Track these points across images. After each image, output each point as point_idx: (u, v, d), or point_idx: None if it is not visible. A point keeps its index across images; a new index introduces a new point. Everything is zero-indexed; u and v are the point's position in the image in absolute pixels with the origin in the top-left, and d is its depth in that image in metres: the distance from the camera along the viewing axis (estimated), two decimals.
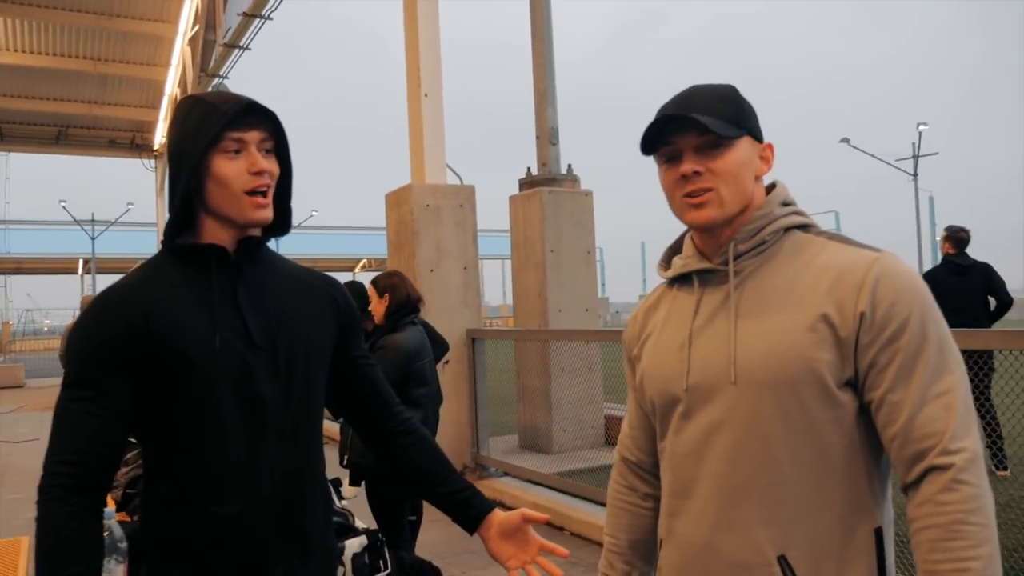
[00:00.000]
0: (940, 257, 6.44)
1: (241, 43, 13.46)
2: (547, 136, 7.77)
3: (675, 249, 1.43)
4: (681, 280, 1.37)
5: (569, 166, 7.79)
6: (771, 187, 1.32)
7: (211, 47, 15.40)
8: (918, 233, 33.12)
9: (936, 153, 34.83)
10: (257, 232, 1.46)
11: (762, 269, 1.25)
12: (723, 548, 1.21)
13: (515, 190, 7.99)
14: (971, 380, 1.20)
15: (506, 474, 6.29)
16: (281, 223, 1.51)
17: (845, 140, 32.77)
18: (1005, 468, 5.61)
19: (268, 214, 1.40)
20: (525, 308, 7.54)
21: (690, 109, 1.23)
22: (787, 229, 1.27)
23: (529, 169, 7.92)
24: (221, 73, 15.10)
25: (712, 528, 1.23)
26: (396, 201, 6.85)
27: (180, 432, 1.35)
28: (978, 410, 5.64)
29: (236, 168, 1.36)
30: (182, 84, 16.93)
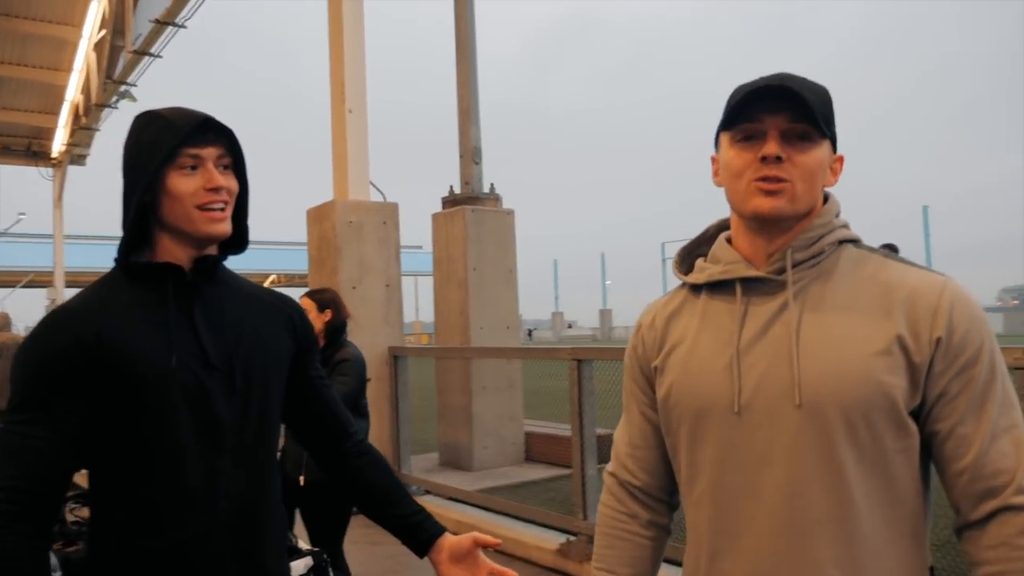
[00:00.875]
0: None
1: (152, 51, 13.04)
2: (470, 154, 7.84)
3: (690, 250, 1.31)
4: (715, 287, 1.22)
5: (492, 185, 7.87)
6: (825, 198, 1.22)
7: (118, 53, 14.85)
8: None
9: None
10: (213, 250, 1.44)
11: (819, 281, 1.14)
12: None
13: (428, 206, 8.03)
14: None
15: (428, 492, 6.27)
16: (239, 241, 1.49)
17: None
18: None
19: (225, 227, 1.38)
20: (447, 325, 7.56)
21: (793, 85, 1.10)
22: (841, 242, 1.18)
23: (452, 187, 7.97)
24: (129, 80, 14.57)
25: (774, 569, 1.10)
26: (318, 217, 6.78)
27: (134, 455, 1.31)
28: None
29: (192, 184, 1.34)
30: (85, 90, 16.26)
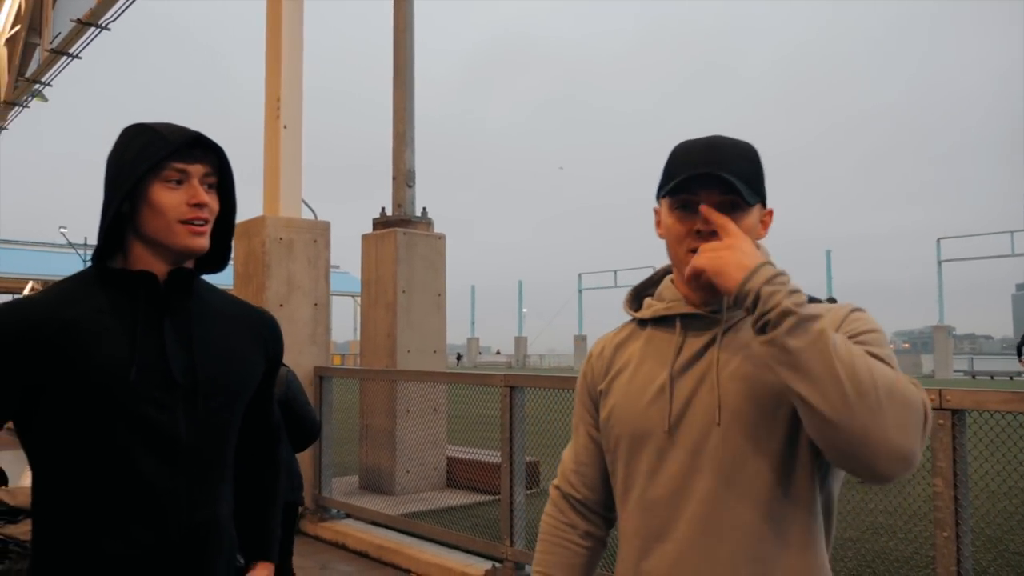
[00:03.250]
0: None
1: (71, 51, 12.58)
2: (404, 178, 7.84)
3: (640, 290, 1.45)
4: (659, 321, 1.36)
5: (424, 209, 7.88)
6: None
7: (33, 50, 14.26)
8: None
9: None
10: (190, 264, 1.44)
11: (747, 320, 1.23)
12: None
13: (358, 225, 7.98)
14: None
15: (348, 516, 6.17)
16: (218, 259, 1.50)
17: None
18: None
19: (204, 243, 1.38)
20: (373, 347, 7.49)
21: (720, 165, 1.23)
22: None
23: (384, 209, 7.94)
24: (44, 80, 14.00)
25: (694, 570, 1.22)
26: (247, 232, 6.65)
27: (84, 466, 1.29)
28: None
29: (175, 198, 1.35)
30: None
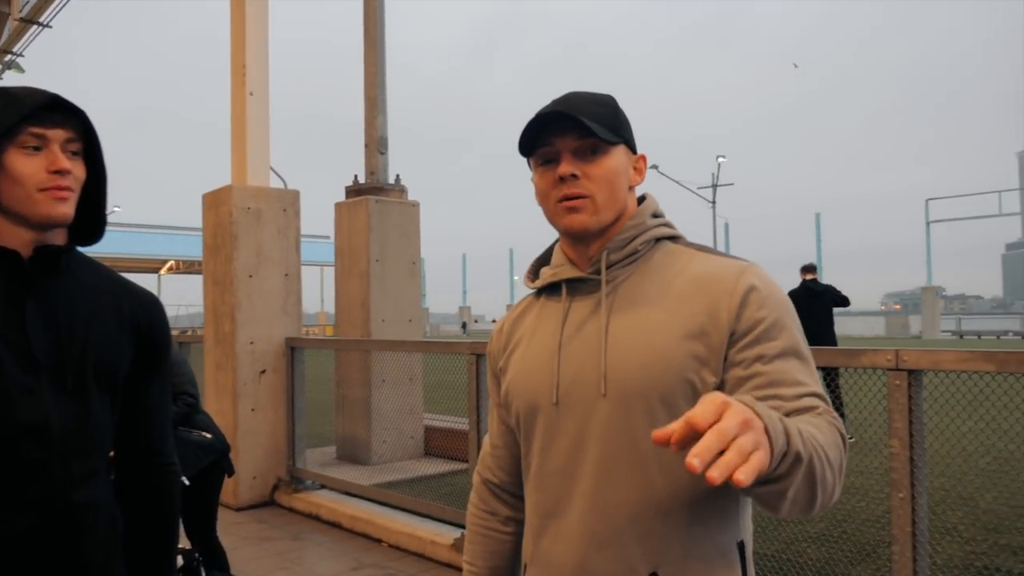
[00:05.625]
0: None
1: (41, 19, 12.30)
2: (376, 144, 7.71)
3: (542, 260, 1.39)
4: (550, 290, 1.32)
5: (397, 176, 7.77)
6: (641, 199, 1.31)
7: (4, 19, 13.95)
8: None
9: (732, 184, 38.02)
10: (61, 239, 1.36)
11: (633, 278, 1.23)
12: (596, 568, 1.16)
13: (336, 195, 7.87)
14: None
15: (323, 487, 6.15)
16: (92, 230, 1.42)
17: (654, 167, 34.98)
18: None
19: (66, 210, 1.30)
20: (348, 317, 7.43)
21: (572, 110, 1.19)
22: (658, 240, 1.26)
23: (356, 177, 7.83)
24: (15, 50, 13.72)
25: (585, 547, 1.17)
26: (215, 202, 6.54)
27: None
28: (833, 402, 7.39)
29: (33, 165, 1.27)
30: None
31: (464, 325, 49.87)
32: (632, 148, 1.28)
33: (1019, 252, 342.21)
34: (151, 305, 1.49)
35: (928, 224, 33.22)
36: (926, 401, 2.81)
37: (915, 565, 2.72)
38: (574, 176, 1.19)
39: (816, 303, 8.31)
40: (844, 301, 8.70)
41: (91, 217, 1.40)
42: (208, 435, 3.42)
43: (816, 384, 1.14)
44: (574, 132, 1.19)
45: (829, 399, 1.14)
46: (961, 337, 32.94)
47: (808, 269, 8.90)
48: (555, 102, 1.23)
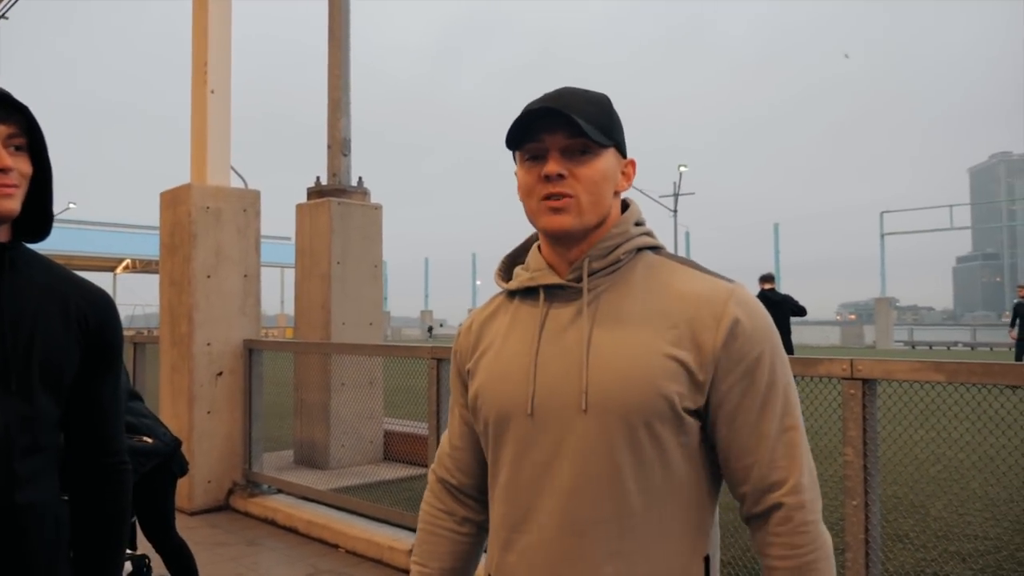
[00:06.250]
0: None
1: None
2: (339, 146, 7.65)
3: (514, 258, 1.35)
4: (524, 292, 1.28)
5: (360, 178, 7.71)
6: (625, 206, 1.28)
7: None
8: None
9: (693, 193, 38.48)
10: (2, 236, 1.34)
11: (615, 289, 1.20)
12: None
13: (298, 196, 7.78)
14: None
15: (280, 491, 6.06)
16: (39, 226, 1.40)
17: None
18: None
19: (11, 205, 1.29)
20: (308, 319, 7.34)
21: (564, 108, 1.15)
22: (640, 249, 1.23)
23: (319, 178, 7.75)
24: None
25: (554, 564, 1.15)
26: (173, 201, 6.42)
27: None
28: None
29: None
30: None
31: (431, 329, 49.48)
32: (622, 152, 1.24)
33: (969, 265, 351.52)
34: (101, 303, 1.45)
35: (883, 236, 33.91)
36: (880, 410, 2.86)
37: (868, 572, 2.77)
38: (560, 176, 1.16)
39: (774, 312, 8.48)
40: (801, 311, 8.92)
41: (38, 213, 1.38)
42: (149, 440, 3.35)
43: (800, 423, 1.17)
44: (564, 130, 1.16)
45: (811, 472, 1.17)
46: (913, 347, 33.66)
47: (766, 279, 9.13)
48: (547, 97, 1.19)
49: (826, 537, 1.15)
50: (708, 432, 1.17)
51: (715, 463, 1.20)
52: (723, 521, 1.23)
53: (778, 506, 1.13)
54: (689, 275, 1.20)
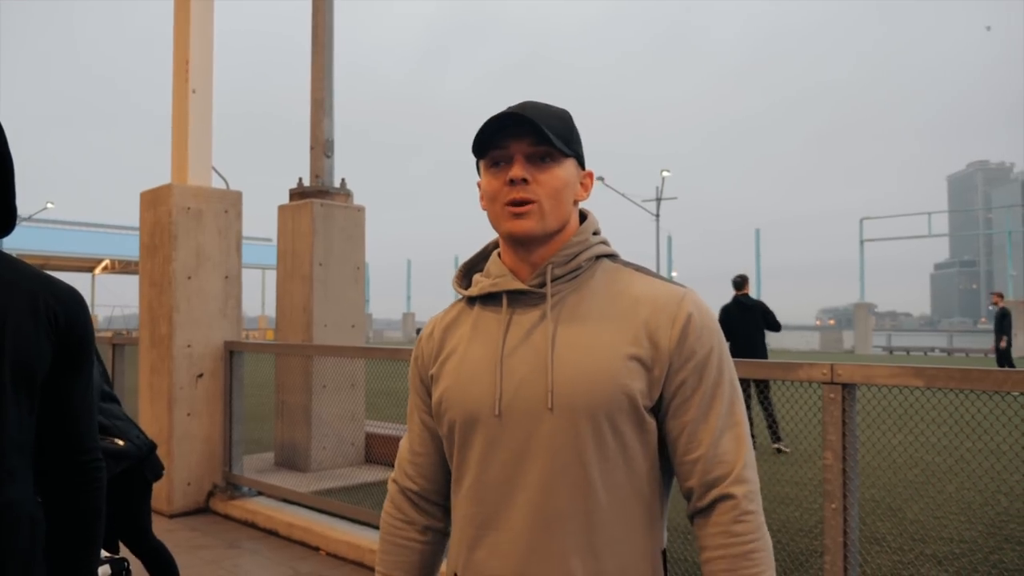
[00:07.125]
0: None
1: None
2: (322, 147, 7.62)
3: (471, 265, 1.40)
4: (486, 299, 1.32)
5: (343, 180, 7.69)
6: (583, 217, 1.34)
7: None
8: (657, 266, 36.42)
9: (675, 198, 38.66)
10: None
11: (576, 294, 1.25)
12: None
13: (280, 198, 7.75)
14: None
15: (260, 493, 6.03)
16: (4, 221, 1.41)
17: (600, 179, 35.34)
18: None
19: None
20: (289, 321, 7.30)
21: (530, 115, 1.21)
22: (598, 257, 1.30)
23: (301, 179, 7.72)
24: None
25: (524, 560, 1.18)
26: (153, 201, 6.37)
27: None
28: (761, 403, 7.98)
29: None
30: None
31: (419, 331, 49.28)
32: (581, 164, 1.31)
33: (947, 272, 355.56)
34: (70, 299, 1.43)
35: (862, 243, 34.24)
36: (859, 415, 2.89)
37: (846, 574, 2.79)
38: (524, 180, 1.22)
39: (748, 316, 8.48)
40: (776, 326, 8.59)
41: (1, 209, 1.38)
42: (120, 442, 3.28)
43: (744, 419, 1.24)
44: (529, 137, 1.22)
45: (751, 444, 1.24)
46: (891, 353, 34.01)
47: (740, 283, 8.86)
48: (512, 108, 1.25)
49: (766, 531, 1.19)
50: (662, 430, 1.23)
51: (668, 460, 1.26)
52: (688, 523, 1.26)
53: (721, 497, 1.18)
54: (646, 280, 1.28)
